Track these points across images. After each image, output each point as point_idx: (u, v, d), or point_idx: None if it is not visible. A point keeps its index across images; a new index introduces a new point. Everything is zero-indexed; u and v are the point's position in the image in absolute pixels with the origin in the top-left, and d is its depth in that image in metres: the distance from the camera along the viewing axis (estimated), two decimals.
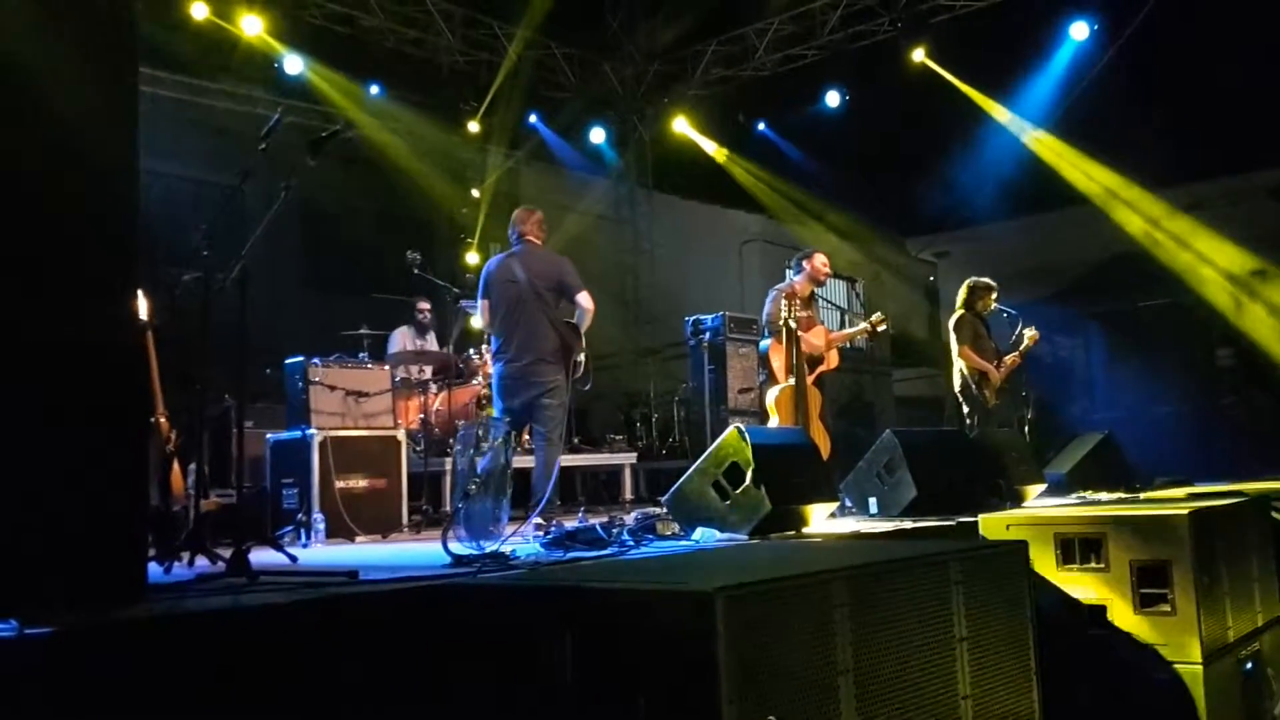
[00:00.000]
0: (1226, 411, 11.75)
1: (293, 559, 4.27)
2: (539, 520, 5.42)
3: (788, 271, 8.06)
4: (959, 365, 8.08)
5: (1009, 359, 8.05)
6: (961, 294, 8.26)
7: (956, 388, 8.17)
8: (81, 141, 2.97)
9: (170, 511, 4.73)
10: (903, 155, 13.10)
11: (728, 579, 2.30)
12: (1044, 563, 4.17)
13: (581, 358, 6.27)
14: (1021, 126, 11.94)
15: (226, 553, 3.78)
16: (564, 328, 6.27)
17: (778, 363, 7.10)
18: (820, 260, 7.58)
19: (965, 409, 8.11)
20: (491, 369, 6.63)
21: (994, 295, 8.19)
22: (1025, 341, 8.01)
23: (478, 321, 6.14)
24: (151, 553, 3.84)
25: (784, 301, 6.97)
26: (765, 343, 7.41)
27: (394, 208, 11.48)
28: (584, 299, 6.31)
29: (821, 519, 5.09)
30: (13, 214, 2.80)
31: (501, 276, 6.40)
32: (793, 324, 6.90)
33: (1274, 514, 5.05)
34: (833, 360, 7.42)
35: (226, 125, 9.86)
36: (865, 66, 12.32)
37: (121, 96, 3.10)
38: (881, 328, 7.60)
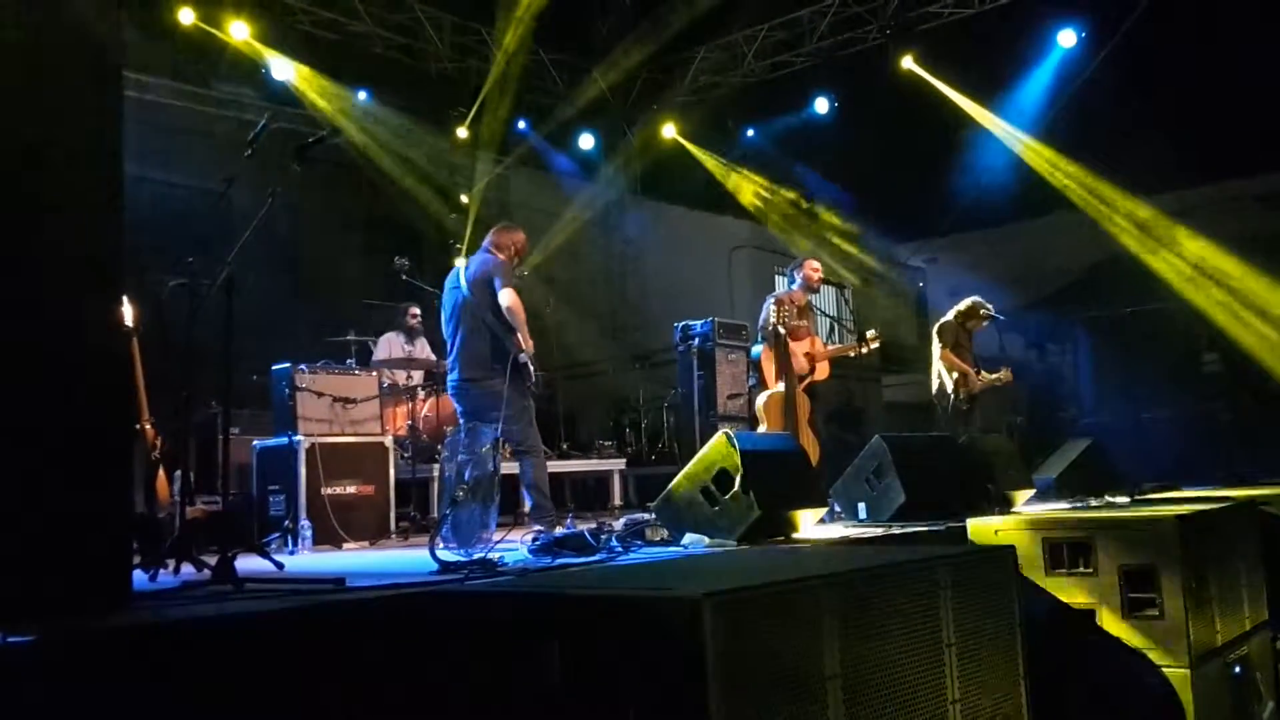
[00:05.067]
0: (1213, 416, 11.78)
1: (279, 566, 4.25)
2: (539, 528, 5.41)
3: (780, 279, 8.10)
4: (937, 368, 8.22)
5: (985, 377, 8.19)
6: (960, 306, 8.42)
7: (933, 390, 8.26)
8: (66, 148, 2.95)
9: (156, 518, 4.71)
10: (891, 162, 13.10)
11: (716, 585, 2.30)
12: (1032, 568, 4.17)
13: (523, 358, 5.83)
14: (1010, 133, 11.97)
15: (212, 560, 3.76)
16: (501, 331, 5.91)
17: (768, 368, 7.12)
18: (812, 266, 7.64)
19: (943, 410, 8.20)
20: None
21: (985, 321, 8.43)
22: (998, 375, 8.17)
23: None
24: (137, 560, 3.82)
25: (774, 306, 7.00)
26: (757, 349, 7.43)
27: (382, 213, 11.44)
28: (504, 296, 5.88)
29: (810, 524, 5.09)
30: None
31: (449, 284, 6.24)
32: (782, 329, 6.91)
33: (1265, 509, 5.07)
34: (823, 371, 7.44)
35: (213, 131, 9.81)
36: (854, 73, 12.33)
37: (107, 102, 3.08)
38: (874, 344, 7.63)
